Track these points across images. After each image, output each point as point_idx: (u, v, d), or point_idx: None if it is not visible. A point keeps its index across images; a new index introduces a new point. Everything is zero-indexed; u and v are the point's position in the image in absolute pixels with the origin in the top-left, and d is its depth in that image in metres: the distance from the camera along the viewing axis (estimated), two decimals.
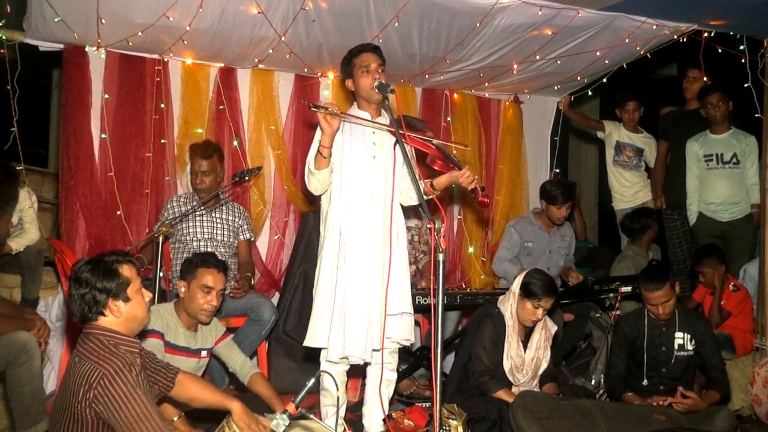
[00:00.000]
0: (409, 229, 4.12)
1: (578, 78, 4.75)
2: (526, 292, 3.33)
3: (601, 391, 3.95)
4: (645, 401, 3.39)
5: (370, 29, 3.77)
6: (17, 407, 2.98)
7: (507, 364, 3.37)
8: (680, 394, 3.31)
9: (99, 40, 3.81)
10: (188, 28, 3.63)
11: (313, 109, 2.77)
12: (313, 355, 3.11)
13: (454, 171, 2.94)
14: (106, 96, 3.98)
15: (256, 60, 4.17)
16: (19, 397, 2.97)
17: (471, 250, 4.96)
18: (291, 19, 3.63)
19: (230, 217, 3.96)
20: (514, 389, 3.36)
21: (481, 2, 3.63)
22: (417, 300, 3.41)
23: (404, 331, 3.00)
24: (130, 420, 2.09)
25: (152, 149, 4.09)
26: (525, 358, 3.40)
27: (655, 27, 4.01)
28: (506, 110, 5.17)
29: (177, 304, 3.13)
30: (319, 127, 2.87)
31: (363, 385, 3.26)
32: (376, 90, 2.93)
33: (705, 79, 4.95)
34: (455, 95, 4.94)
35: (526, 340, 3.45)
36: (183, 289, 3.08)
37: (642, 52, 4.33)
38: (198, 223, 3.87)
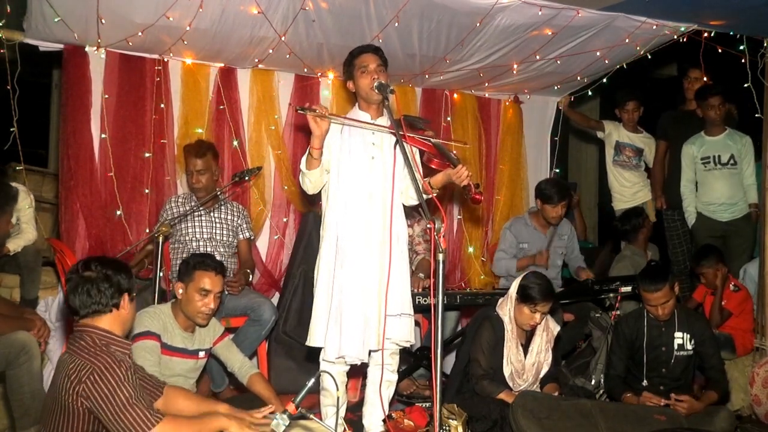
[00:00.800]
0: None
1: (578, 78, 4.75)
2: (524, 296, 3.31)
3: (601, 391, 3.94)
4: (640, 401, 3.39)
5: (370, 29, 3.77)
6: (17, 407, 2.98)
7: (507, 370, 3.35)
8: (674, 400, 3.32)
9: (99, 40, 3.81)
10: (188, 28, 3.63)
11: (300, 111, 2.79)
12: (314, 354, 3.11)
13: (450, 168, 2.94)
14: (106, 96, 3.98)
15: (256, 60, 4.17)
16: (19, 397, 2.97)
17: (471, 250, 4.96)
18: (291, 19, 3.63)
19: (230, 217, 3.96)
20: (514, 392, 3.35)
21: (481, 2, 3.63)
22: (417, 300, 3.41)
23: (403, 332, 3.00)
24: (116, 410, 2.11)
25: (152, 149, 4.10)
26: (525, 364, 3.38)
27: (655, 27, 4.01)
28: (506, 110, 5.17)
29: (174, 305, 3.12)
30: None
31: (363, 386, 3.26)
32: (376, 90, 2.94)
33: (705, 79, 4.95)
34: (455, 95, 4.94)
35: (527, 343, 3.43)
36: (180, 291, 3.06)
37: (642, 52, 4.33)
38: (197, 223, 3.87)
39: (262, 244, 4.41)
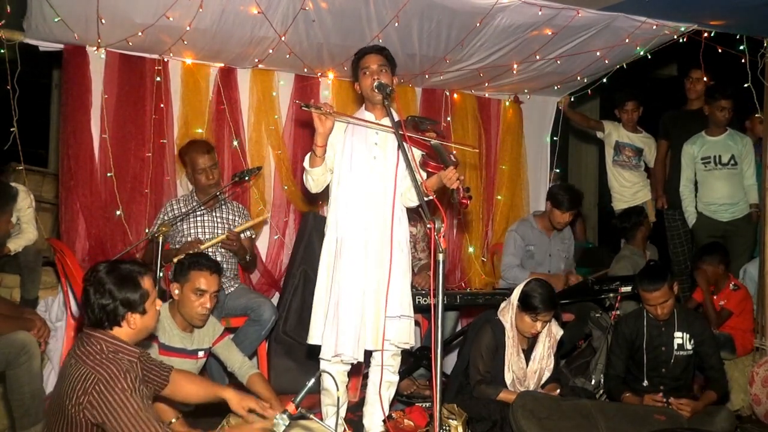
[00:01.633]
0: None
1: (578, 78, 4.75)
2: (525, 305, 3.29)
3: (601, 391, 3.94)
4: (640, 401, 3.39)
5: (370, 29, 3.77)
6: (17, 407, 2.98)
7: (508, 377, 3.34)
8: (676, 404, 3.31)
9: (99, 40, 3.80)
10: (188, 28, 3.63)
11: (304, 108, 2.79)
12: (314, 354, 3.11)
13: (442, 170, 2.93)
14: (106, 96, 3.98)
15: (256, 60, 4.17)
16: (19, 397, 2.97)
17: (471, 250, 4.96)
18: (291, 19, 3.63)
19: (230, 216, 3.96)
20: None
21: (481, 2, 3.63)
22: (416, 300, 3.41)
23: (402, 334, 2.99)
24: (125, 425, 2.08)
25: (152, 149, 4.09)
26: (527, 371, 3.37)
27: (655, 27, 4.01)
28: (506, 110, 5.17)
29: (171, 306, 3.12)
30: None
31: (364, 386, 3.26)
32: (376, 90, 2.95)
33: (705, 79, 4.95)
34: (455, 95, 4.94)
35: (529, 350, 3.41)
36: (176, 292, 3.06)
37: (642, 52, 4.33)
38: (199, 224, 3.86)
39: (262, 244, 4.41)
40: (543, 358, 3.39)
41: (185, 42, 3.82)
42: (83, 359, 2.17)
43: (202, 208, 3.86)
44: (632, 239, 4.89)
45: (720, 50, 4.15)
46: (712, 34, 4.13)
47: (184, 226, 3.85)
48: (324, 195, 3.20)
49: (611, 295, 4.23)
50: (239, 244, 3.76)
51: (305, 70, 4.34)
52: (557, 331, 3.47)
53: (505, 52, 4.18)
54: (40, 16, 3.52)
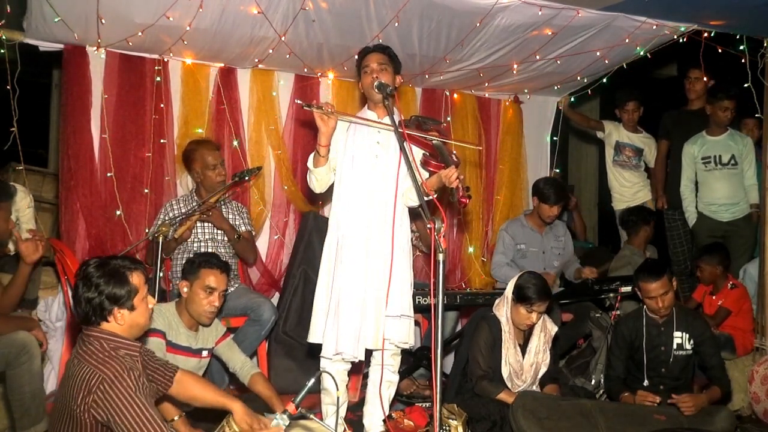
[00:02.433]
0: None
1: (578, 78, 4.75)
2: (519, 296, 3.32)
3: (601, 391, 3.95)
4: (637, 400, 3.39)
5: (370, 29, 3.77)
6: (17, 407, 2.98)
7: (505, 371, 3.35)
8: (678, 401, 3.30)
9: (99, 40, 3.80)
10: (188, 28, 3.63)
11: (306, 108, 2.80)
12: (315, 354, 3.12)
13: (442, 170, 2.93)
14: (106, 96, 3.98)
15: (256, 60, 4.17)
16: (19, 397, 2.97)
17: (471, 250, 4.96)
18: (291, 19, 3.63)
19: (230, 216, 3.95)
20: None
21: (481, 2, 3.63)
22: (416, 300, 3.41)
23: (402, 333, 3.00)
24: (131, 424, 2.08)
25: (152, 149, 4.09)
26: (524, 364, 3.38)
27: (655, 27, 4.01)
28: (506, 110, 5.17)
29: (178, 304, 3.14)
30: None
31: (364, 385, 3.26)
32: (376, 90, 2.96)
33: (705, 79, 4.95)
34: (455, 95, 4.94)
35: (524, 344, 3.43)
36: (185, 290, 3.08)
37: (642, 52, 4.33)
38: (199, 224, 3.86)
39: (262, 244, 4.41)
40: (539, 352, 3.41)
41: (185, 42, 3.82)
42: (86, 358, 2.17)
43: (204, 206, 3.85)
44: (634, 237, 4.88)
45: (720, 50, 4.15)
46: (712, 34, 4.13)
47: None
48: (324, 195, 3.21)
49: (611, 295, 4.24)
50: (219, 218, 3.78)
51: (305, 70, 4.34)
52: (552, 327, 3.49)
53: (505, 52, 4.18)
54: (40, 16, 3.52)
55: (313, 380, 2.40)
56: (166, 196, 4.12)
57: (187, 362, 3.05)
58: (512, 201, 5.13)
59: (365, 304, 2.95)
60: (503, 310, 3.40)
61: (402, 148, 2.82)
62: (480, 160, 5.01)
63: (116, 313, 2.23)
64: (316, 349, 3.04)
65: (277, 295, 4.38)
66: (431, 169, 2.87)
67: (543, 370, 3.42)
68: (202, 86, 4.22)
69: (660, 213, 5.18)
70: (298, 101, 2.92)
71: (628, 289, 4.18)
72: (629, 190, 5.28)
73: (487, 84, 4.75)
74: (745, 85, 4.25)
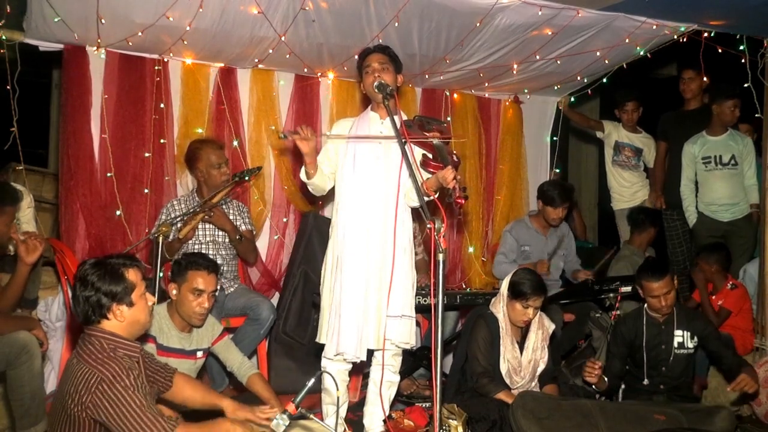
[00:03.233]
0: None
1: (578, 78, 4.75)
2: (514, 292, 3.32)
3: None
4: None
5: (370, 29, 3.78)
6: (17, 407, 2.98)
7: (504, 367, 3.36)
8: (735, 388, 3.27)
9: (99, 40, 3.81)
10: (188, 28, 3.64)
11: (282, 138, 2.84)
12: (314, 354, 3.12)
13: (440, 171, 2.92)
14: (106, 96, 3.98)
15: (256, 60, 4.17)
16: (19, 397, 2.97)
17: (471, 250, 4.96)
18: (291, 19, 3.63)
19: (231, 216, 3.95)
20: (513, 392, 3.35)
21: (481, 2, 3.63)
22: (417, 300, 3.41)
23: (403, 333, 3.00)
24: (130, 423, 2.08)
25: (152, 149, 4.09)
26: (522, 361, 3.39)
27: (655, 27, 4.01)
28: (506, 110, 5.17)
29: (170, 306, 3.11)
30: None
31: (364, 385, 3.26)
32: (376, 90, 2.96)
33: (705, 78, 4.95)
34: (455, 95, 4.94)
35: (522, 341, 3.43)
36: (174, 292, 3.05)
37: (642, 52, 4.33)
38: (200, 226, 3.84)
39: (262, 244, 4.41)
40: (536, 349, 3.41)
41: (185, 42, 3.82)
42: (85, 358, 2.17)
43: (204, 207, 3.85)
44: (637, 236, 4.86)
45: (720, 50, 4.15)
46: (712, 34, 4.13)
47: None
48: (325, 195, 3.21)
49: (611, 295, 4.23)
50: (221, 218, 3.76)
51: (305, 70, 4.34)
52: (549, 325, 3.49)
53: (505, 52, 4.18)
54: (40, 16, 3.52)
55: (313, 380, 2.40)
56: (166, 196, 4.12)
57: (180, 364, 3.03)
58: (512, 201, 5.13)
59: (367, 305, 2.95)
60: (499, 307, 3.41)
61: (403, 149, 2.82)
62: (480, 160, 5.02)
63: (115, 310, 2.24)
64: (316, 349, 3.04)
65: (277, 295, 4.38)
66: (431, 169, 2.87)
67: (541, 367, 3.42)
68: (202, 86, 4.22)
69: (660, 213, 5.18)
70: (274, 129, 2.95)
71: (628, 289, 4.18)
72: (628, 190, 5.28)
73: (487, 84, 4.75)
74: (745, 85, 4.25)
